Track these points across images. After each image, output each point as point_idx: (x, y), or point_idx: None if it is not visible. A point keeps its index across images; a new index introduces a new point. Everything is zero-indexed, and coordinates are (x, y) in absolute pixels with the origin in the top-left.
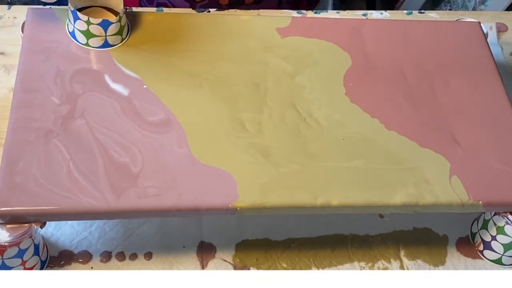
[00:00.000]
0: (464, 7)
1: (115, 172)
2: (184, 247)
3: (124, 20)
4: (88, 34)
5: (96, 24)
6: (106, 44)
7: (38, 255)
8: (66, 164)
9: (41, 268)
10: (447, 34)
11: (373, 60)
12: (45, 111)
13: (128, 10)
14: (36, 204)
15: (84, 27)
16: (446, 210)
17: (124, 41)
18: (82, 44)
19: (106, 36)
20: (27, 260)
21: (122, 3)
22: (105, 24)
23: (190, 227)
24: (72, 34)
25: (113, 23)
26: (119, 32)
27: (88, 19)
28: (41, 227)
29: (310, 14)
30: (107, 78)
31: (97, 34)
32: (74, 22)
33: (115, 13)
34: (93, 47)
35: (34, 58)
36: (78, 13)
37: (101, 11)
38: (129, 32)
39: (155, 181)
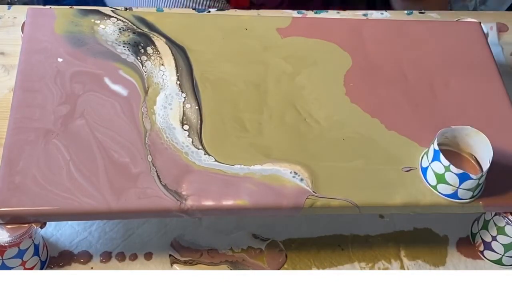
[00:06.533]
0: (465, 7)
1: (115, 172)
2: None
3: (482, 179)
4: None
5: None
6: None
7: (38, 256)
8: (66, 164)
9: (41, 268)
10: (447, 34)
11: (373, 60)
12: (45, 111)
13: (127, 9)
14: (36, 204)
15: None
16: (446, 210)
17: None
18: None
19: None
20: (27, 261)
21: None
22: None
23: (190, 227)
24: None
25: (472, 179)
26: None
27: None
28: (41, 228)
29: (310, 14)
30: (106, 79)
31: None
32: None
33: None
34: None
35: (34, 58)
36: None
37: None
38: None
39: (155, 181)
